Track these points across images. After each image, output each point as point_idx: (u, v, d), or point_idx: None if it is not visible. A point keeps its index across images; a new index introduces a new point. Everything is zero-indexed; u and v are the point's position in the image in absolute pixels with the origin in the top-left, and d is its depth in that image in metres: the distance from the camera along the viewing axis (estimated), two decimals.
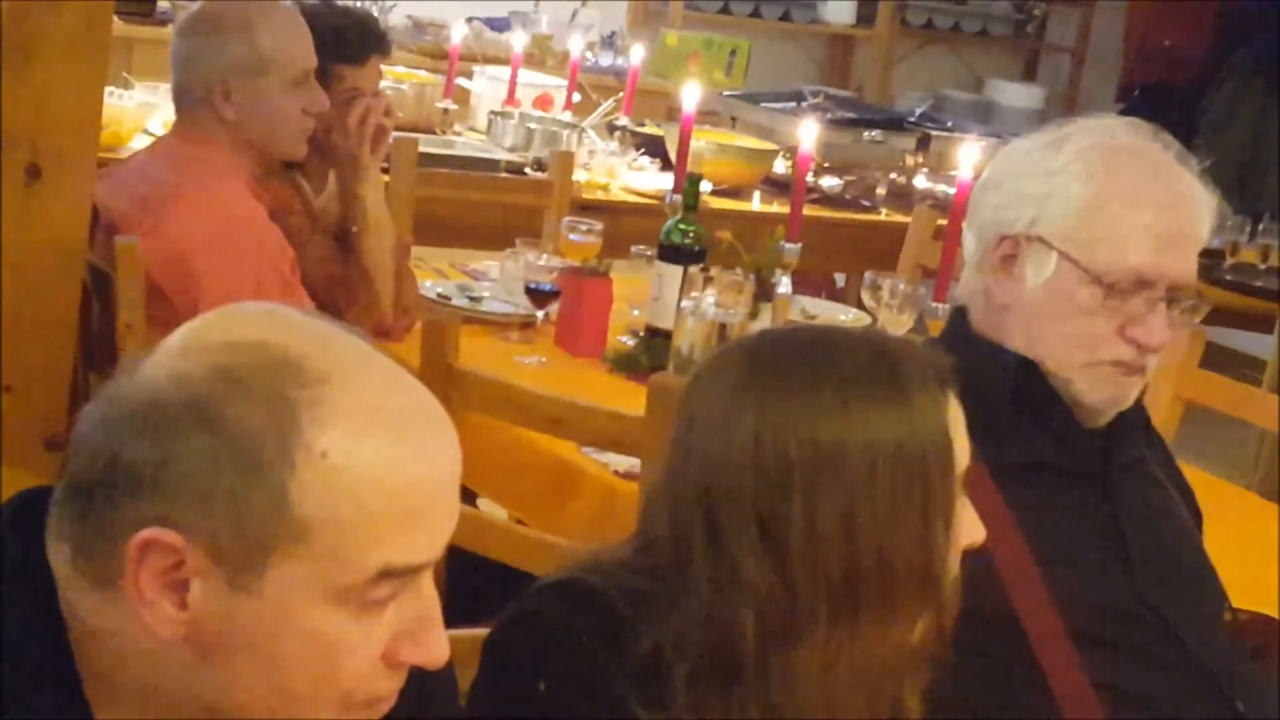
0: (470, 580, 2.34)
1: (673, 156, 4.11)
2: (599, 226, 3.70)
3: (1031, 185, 2.09)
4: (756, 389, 1.55)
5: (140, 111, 4.28)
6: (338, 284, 3.28)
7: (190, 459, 1.17)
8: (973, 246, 2.15)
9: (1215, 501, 2.40)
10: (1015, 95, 8.11)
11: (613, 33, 7.04)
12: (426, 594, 1.25)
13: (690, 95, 3.73)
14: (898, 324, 3.31)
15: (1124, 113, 2.17)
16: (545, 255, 3.52)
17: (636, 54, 5.16)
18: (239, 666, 1.20)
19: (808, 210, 3.69)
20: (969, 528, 1.60)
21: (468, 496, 3.08)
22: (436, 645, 1.25)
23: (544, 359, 3.30)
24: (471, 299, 3.59)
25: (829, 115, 5.30)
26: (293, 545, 1.18)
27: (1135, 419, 2.15)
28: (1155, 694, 1.97)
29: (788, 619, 1.52)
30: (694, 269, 3.20)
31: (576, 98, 5.18)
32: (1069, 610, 1.95)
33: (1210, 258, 5.09)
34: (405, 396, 1.24)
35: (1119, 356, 2.05)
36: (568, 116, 5.07)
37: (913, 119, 5.65)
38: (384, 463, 1.19)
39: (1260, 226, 5.22)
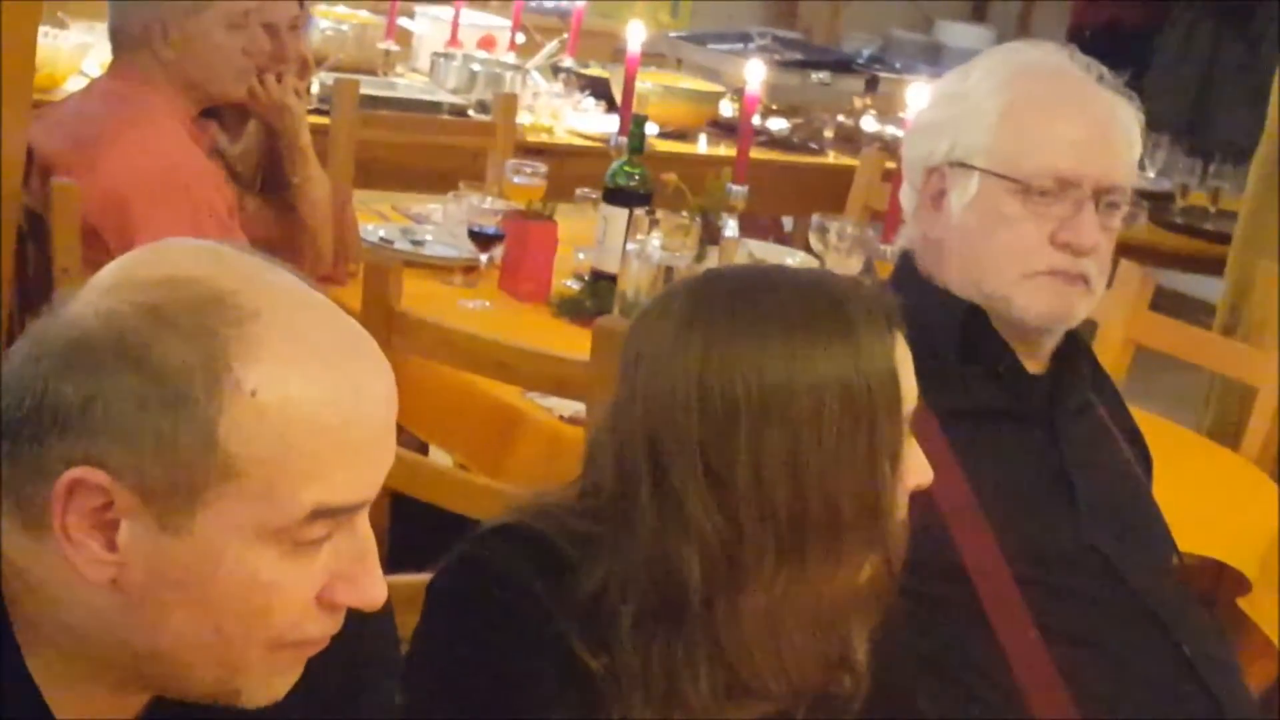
0: (414, 527, 2.32)
1: (618, 98, 4.08)
2: (543, 169, 3.67)
3: (944, 113, 2.12)
4: (701, 329, 1.53)
5: (76, 52, 4.21)
6: (276, 245, 3.20)
7: (117, 397, 1.15)
8: (908, 195, 2.16)
9: (1166, 445, 2.41)
10: (964, 36, 8.07)
11: None
12: (362, 535, 1.23)
13: (635, 36, 3.70)
14: (846, 267, 3.31)
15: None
16: (489, 198, 3.49)
17: None
18: (169, 608, 1.18)
19: (754, 153, 3.67)
20: (916, 469, 1.60)
21: (419, 445, 3.06)
22: (372, 587, 1.23)
23: (488, 303, 3.28)
24: (414, 242, 3.56)
25: (776, 57, 5.27)
26: (223, 484, 1.16)
27: (1082, 364, 2.15)
28: (1101, 638, 1.98)
29: (734, 560, 1.51)
30: (639, 212, 3.19)
31: (520, 39, 5.14)
32: (1015, 555, 1.96)
33: (1160, 200, 5.09)
34: (338, 334, 1.22)
35: (1054, 265, 2.05)
36: (511, 58, 5.02)
37: (861, 61, 5.64)
38: (315, 400, 1.17)
39: (1211, 169, 5.20)
